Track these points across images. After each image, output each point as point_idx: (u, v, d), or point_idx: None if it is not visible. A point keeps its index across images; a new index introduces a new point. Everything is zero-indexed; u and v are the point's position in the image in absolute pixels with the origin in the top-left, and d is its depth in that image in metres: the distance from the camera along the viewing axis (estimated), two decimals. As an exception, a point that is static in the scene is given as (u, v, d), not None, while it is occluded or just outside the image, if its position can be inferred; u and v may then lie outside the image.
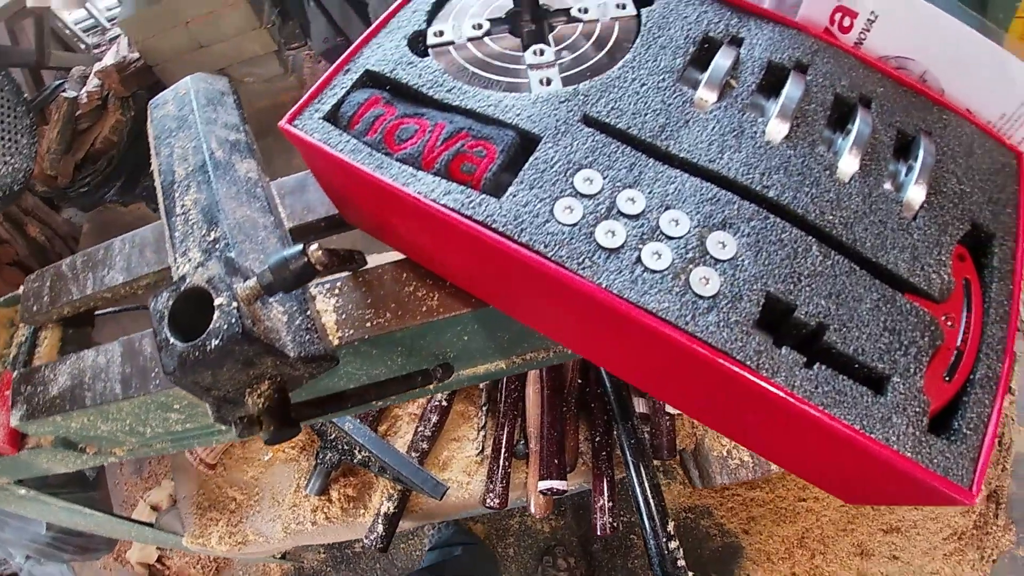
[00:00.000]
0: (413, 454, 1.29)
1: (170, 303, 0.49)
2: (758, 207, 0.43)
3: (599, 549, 1.90)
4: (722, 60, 0.48)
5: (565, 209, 0.42)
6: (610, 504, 1.26)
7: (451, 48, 0.54)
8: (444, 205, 0.44)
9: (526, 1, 0.55)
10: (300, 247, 0.50)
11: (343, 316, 0.58)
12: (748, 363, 0.38)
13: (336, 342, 0.57)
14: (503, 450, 1.28)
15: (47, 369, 0.71)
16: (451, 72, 0.52)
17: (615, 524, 1.26)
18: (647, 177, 0.44)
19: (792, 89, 0.47)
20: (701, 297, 0.39)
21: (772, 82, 0.49)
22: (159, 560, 2.10)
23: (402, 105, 0.51)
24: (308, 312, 0.55)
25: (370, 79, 0.53)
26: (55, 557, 1.73)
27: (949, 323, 0.42)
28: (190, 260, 0.56)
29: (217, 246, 0.55)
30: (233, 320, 0.46)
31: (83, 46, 2.78)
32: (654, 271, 0.40)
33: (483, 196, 0.44)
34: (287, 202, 0.66)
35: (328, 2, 2.08)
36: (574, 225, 0.42)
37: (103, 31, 2.99)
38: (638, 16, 0.53)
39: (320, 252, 0.48)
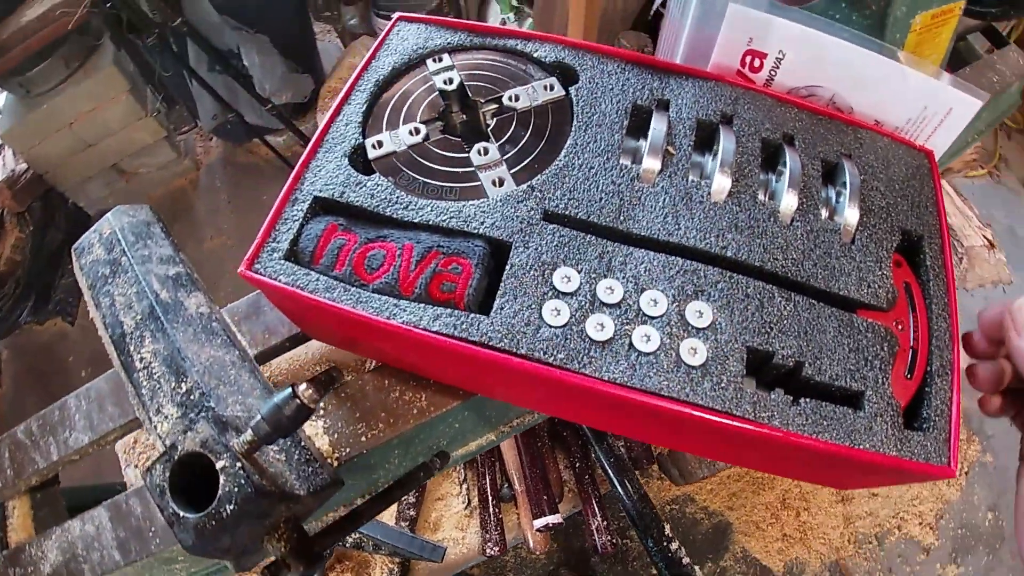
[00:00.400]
0: (403, 523, 1.27)
1: (167, 475, 0.47)
2: (721, 269, 0.46)
3: (597, 560, 1.92)
4: (657, 128, 0.50)
5: (552, 312, 0.44)
6: (604, 523, 1.27)
7: (394, 159, 0.54)
8: (437, 332, 0.44)
9: (455, 96, 0.55)
10: (289, 391, 0.49)
11: (335, 436, 0.57)
12: (746, 416, 0.41)
13: (335, 464, 0.56)
14: (490, 498, 1.28)
15: (32, 548, 0.67)
16: (402, 186, 0.51)
17: (613, 540, 1.28)
18: (618, 263, 0.46)
19: (726, 144, 0.50)
20: (693, 367, 0.42)
21: (704, 138, 0.52)
22: None
23: (362, 230, 0.50)
24: (302, 443, 0.54)
25: (321, 206, 0.52)
26: None
27: (900, 327, 0.46)
28: (167, 417, 0.54)
29: (192, 398, 0.54)
30: (242, 481, 0.45)
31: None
32: (647, 353, 0.42)
33: (471, 316, 0.44)
34: (244, 328, 0.65)
35: (212, 79, 2.04)
36: (565, 326, 0.43)
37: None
38: (567, 95, 0.54)
39: (310, 391, 0.47)
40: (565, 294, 0.44)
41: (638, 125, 0.53)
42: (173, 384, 0.55)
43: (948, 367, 0.45)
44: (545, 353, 0.42)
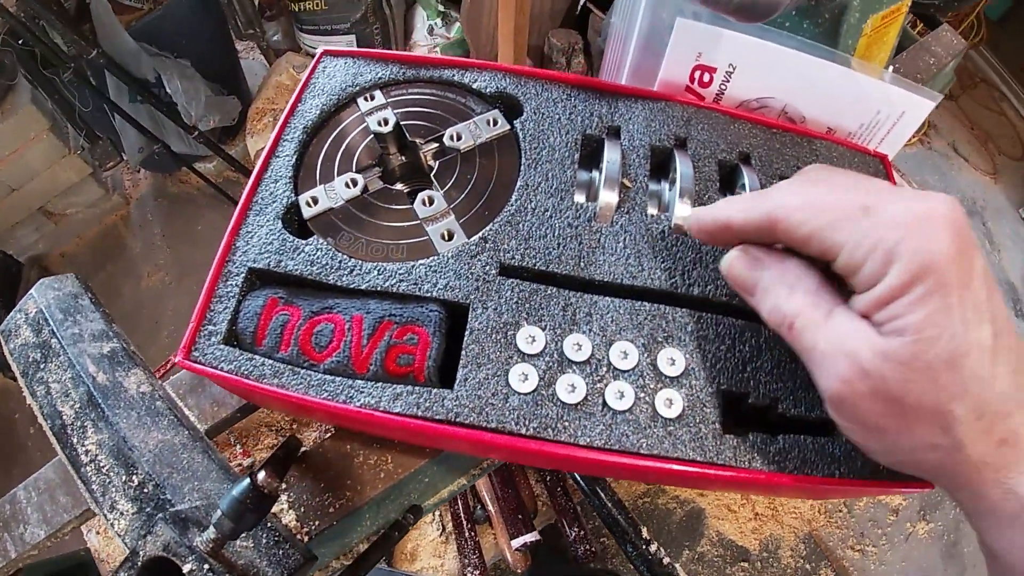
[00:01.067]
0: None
1: (130, 588, 0.44)
2: (689, 310, 0.44)
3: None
4: (611, 160, 0.48)
5: (520, 377, 0.41)
6: (581, 532, 1.27)
7: (332, 217, 0.50)
8: (398, 413, 0.41)
9: (392, 138, 0.52)
10: (247, 481, 0.46)
11: (302, 510, 0.54)
12: (727, 463, 0.40)
13: (305, 539, 0.54)
14: (464, 522, 1.26)
15: None
16: (343, 248, 0.47)
17: (592, 548, 1.27)
18: (583, 315, 0.43)
19: (683, 170, 0.48)
20: (670, 420, 0.40)
21: (658, 164, 0.50)
22: None
23: (305, 301, 0.46)
24: (269, 524, 0.51)
25: (257, 277, 0.48)
26: None
27: None
28: (122, 514, 0.50)
29: (146, 491, 0.50)
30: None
31: None
32: (622, 411, 0.40)
33: (434, 391, 0.41)
34: (191, 402, 0.61)
35: (134, 111, 1.96)
36: (534, 391, 0.41)
37: None
38: (512, 130, 0.52)
39: (270, 477, 0.45)
40: (531, 356, 0.42)
41: (590, 155, 0.51)
42: (124, 477, 0.51)
43: None
44: (516, 424, 0.40)
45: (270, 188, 0.51)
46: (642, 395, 0.41)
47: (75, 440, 0.55)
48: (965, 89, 2.59)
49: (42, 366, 0.59)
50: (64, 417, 0.56)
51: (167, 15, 2.01)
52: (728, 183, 0.50)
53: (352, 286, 0.45)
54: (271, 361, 0.44)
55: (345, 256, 0.47)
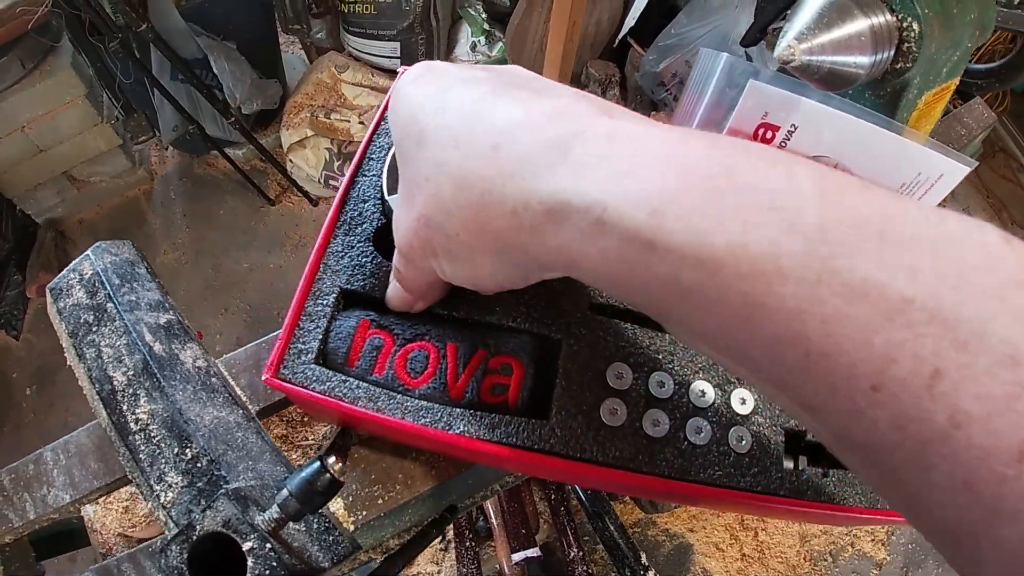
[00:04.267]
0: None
1: (185, 557, 0.44)
2: None
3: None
4: None
5: (610, 412, 0.42)
6: (580, 553, 1.27)
7: None
8: (496, 441, 0.41)
9: None
10: (318, 464, 0.46)
11: (350, 500, 0.54)
12: (785, 495, 0.42)
13: (352, 528, 0.54)
14: (466, 532, 1.26)
15: None
16: None
17: (590, 571, 1.27)
18: (664, 354, 0.45)
19: None
20: (741, 455, 0.42)
21: None
22: None
23: (396, 326, 0.45)
24: (320, 510, 0.51)
25: (346, 298, 0.47)
26: None
27: None
28: (170, 486, 0.50)
29: (199, 465, 0.50)
30: (274, 563, 0.43)
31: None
32: (701, 446, 0.42)
33: (530, 422, 0.42)
34: (243, 383, 0.61)
35: (174, 89, 1.97)
36: (623, 426, 0.42)
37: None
38: None
39: (340, 463, 0.45)
40: (620, 391, 0.43)
41: None
42: (176, 449, 0.51)
43: None
44: (606, 455, 0.41)
45: (358, 208, 0.50)
46: (717, 431, 0.43)
47: (125, 407, 0.54)
48: (984, 158, 2.61)
49: (94, 329, 0.58)
50: (115, 383, 0.55)
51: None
52: None
53: (444, 313, 0.45)
54: (365, 384, 0.44)
55: None
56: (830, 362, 0.21)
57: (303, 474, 0.45)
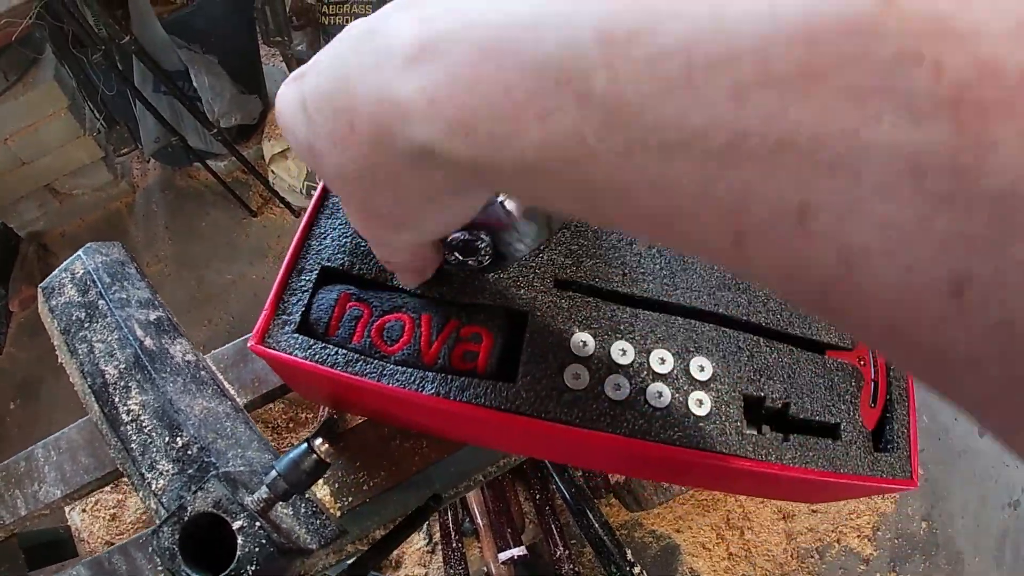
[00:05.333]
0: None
1: (177, 537, 0.45)
2: (715, 324, 0.49)
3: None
4: None
5: (573, 376, 0.45)
6: (566, 552, 1.28)
7: None
8: (466, 401, 0.44)
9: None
10: (305, 446, 0.48)
11: (336, 486, 0.56)
12: (748, 456, 0.45)
13: (338, 514, 0.55)
14: (452, 533, 1.27)
15: None
16: None
17: (576, 570, 1.29)
18: (626, 325, 0.48)
19: None
20: (701, 417, 0.45)
21: None
22: None
23: (375, 298, 0.48)
24: (307, 495, 0.53)
25: (328, 275, 0.50)
26: None
27: (862, 362, 0.51)
28: (162, 473, 0.52)
29: (189, 452, 0.52)
30: (263, 540, 0.44)
31: None
32: (660, 408, 0.45)
33: (498, 384, 0.45)
34: (231, 376, 0.63)
35: (156, 101, 1.98)
36: (586, 389, 0.45)
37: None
38: None
39: (326, 445, 0.47)
40: (583, 358, 0.46)
41: None
42: (167, 438, 0.53)
43: (904, 394, 0.50)
44: (570, 415, 0.44)
45: None
46: (677, 395, 0.46)
47: (117, 399, 0.56)
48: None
49: (86, 325, 0.60)
50: (107, 376, 0.57)
51: (200, 11, 2.05)
52: None
53: (419, 292, 0.48)
54: (344, 350, 0.46)
55: None
56: (685, 228, 0.19)
57: (291, 455, 0.47)
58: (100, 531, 1.31)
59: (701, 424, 0.45)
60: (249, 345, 0.47)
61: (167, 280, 2.41)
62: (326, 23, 2.21)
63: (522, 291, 0.48)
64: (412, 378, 0.45)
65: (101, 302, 0.61)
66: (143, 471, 0.53)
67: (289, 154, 2.11)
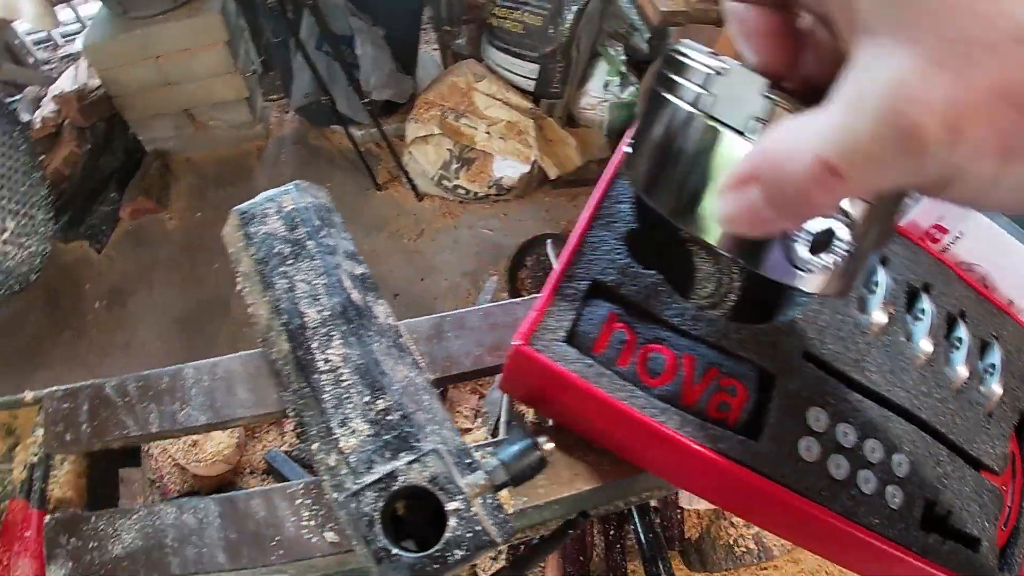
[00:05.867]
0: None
1: (381, 505, 0.43)
2: (917, 428, 0.51)
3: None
4: (886, 285, 0.54)
5: (806, 448, 0.46)
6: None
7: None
8: (716, 451, 0.44)
9: None
10: (529, 440, 0.47)
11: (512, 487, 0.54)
12: (916, 551, 0.46)
13: (509, 510, 0.54)
14: (520, 546, 1.24)
15: (100, 521, 0.60)
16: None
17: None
18: (850, 408, 0.49)
19: (931, 312, 0.55)
20: (894, 511, 0.47)
21: (908, 301, 0.56)
22: None
23: (639, 325, 0.48)
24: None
25: (597, 289, 0.49)
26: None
27: (1004, 488, 0.54)
28: (354, 432, 0.50)
29: (389, 418, 0.50)
30: (478, 528, 0.42)
31: (32, 60, 2.59)
32: (867, 495, 0.46)
33: (744, 440, 0.45)
34: (423, 349, 0.61)
35: (316, 58, 2.03)
36: (814, 463, 0.46)
37: (55, 47, 2.80)
38: None
39: (551, 444, 0.47)
40: (816, 433, 0.47)
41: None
42: (367, 398, 0.51)
43: None
44: (799, 484, 0.45)
45: (614, 207, 0.52)
46: (879, 486, 0.47)
47: (314, 345, 0.55)
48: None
49: (289, 262, 0.59)
50: (306, 319, 0.56)
51: (380, -17, 2.10)
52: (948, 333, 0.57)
53: (682, 327, 0.48)
54: (611, 373, 0.46)
55: (679, 296, 0.49)
56: None
57: (515, 448, 0.46)
58: (177, 453, 1.31)
59: (893, 516, 0.46)
60: (515, 344, 0.46)
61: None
62: (492, 24, 2.24)
63: (776, 354, 0.48)
64: (671, 417, 0.45)
65: (310, 243, 0.60)
66: (332, 425, 0.51)
67: (431, 140, 2.13)
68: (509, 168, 2.14)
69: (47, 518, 0.61)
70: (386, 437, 0.50)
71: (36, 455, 0.69)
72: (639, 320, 0.48)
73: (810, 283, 0.31)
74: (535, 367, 0.46)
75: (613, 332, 0.47)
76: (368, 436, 0.50)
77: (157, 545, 0.57)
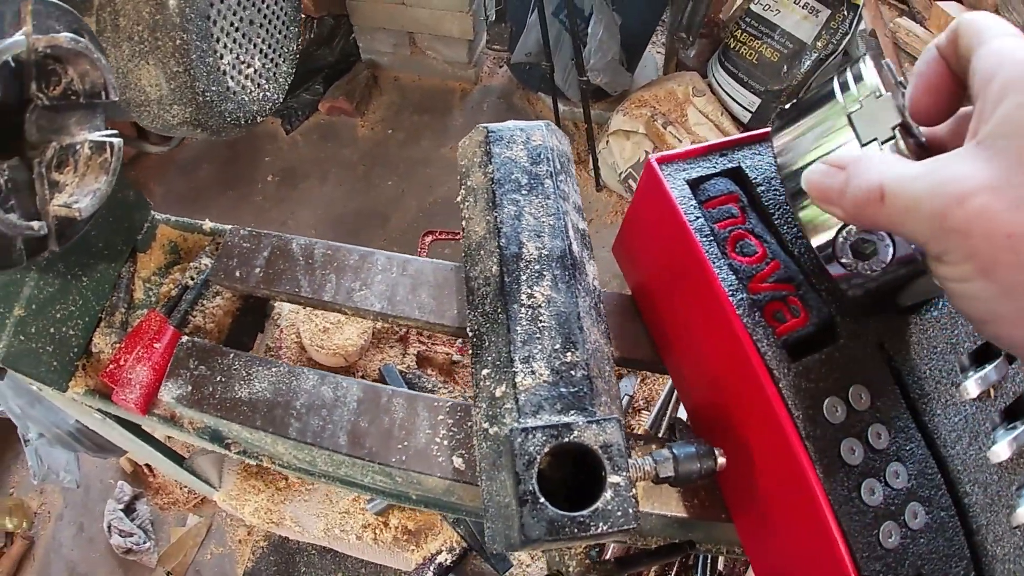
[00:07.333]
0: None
1: (547, 450, 0.43)
2: (952, 501, 0.47)
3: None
4: (993, 373, 0.49)
5: (832, 408, 0.45)
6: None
7: None
8: (750, 334, 0.46)
9: None
10: (709, 447, 0.45)
11: (649, 485, 0.53)
12: None
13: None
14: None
15: (237, 361, 0.61)
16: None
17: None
18: (896, 421, 0.47)
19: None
20: (882, 548, 0.44)
21: (1015, 408, 0.50)
22: (147, 465, 2.05)
23: (752, 219, 0.52)
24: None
25: (733, 174, 0.54)
26: (68, 446, 1.68)
27: None
28: (534, 373, 0.49)
29: (573, 374, 0.49)
30: (630, 511, 0.41)
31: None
32: (866, 503, 0.44)
33: (782, 350, 0.46)
34: (611, 322, 0.60)
35: (550, 23, 2.05)
36: (832, 425, 0.45)
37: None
38: None
39: (724, 459, 0.46)
40: (850, 405, 0.46)
41: (984, 352, 0.51)
42: (557, 345, 0.51)
43: None
44: (805, 426, 0.44)
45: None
46: (883, 508, 0.45)
47: (523, 277, 0.54)
48: None
49: (523, 192, 0.59)
50: (524, 250, 0.55)
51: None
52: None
53: (787, 241, 0.51)
54: (704, 223, 0.51)
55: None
56: None
57: (691, 449, 0.45)
58: (306, 331, 1.35)
59: (876, 551, 0.44)
60: (652, 157, 0.53)
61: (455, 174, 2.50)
62: (729, 45, 2.19)
63: (859, 320, 0.48)
64: (731, 285, 0.48)
65: (548, 182, 0.59)
66: (515, 357, 0.51)
67: (632, 137, 2.12)
68: (697, 190, 2.09)
69: (184, 339, 0.63)
70: (562, 390, 0.49)
71: (193, 280, 0.74)
72: (753, 212, 0.52)
73: (835, 270, 0.42)
74: (651, 187, 0.53)
75: (726, 204, 0.52)
76: (546, 382, 0.49)
77: (284, 404, 0.59)
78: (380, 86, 2.74)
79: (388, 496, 0.72)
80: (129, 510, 2.02)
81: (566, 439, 0.44)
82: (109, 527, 1.97)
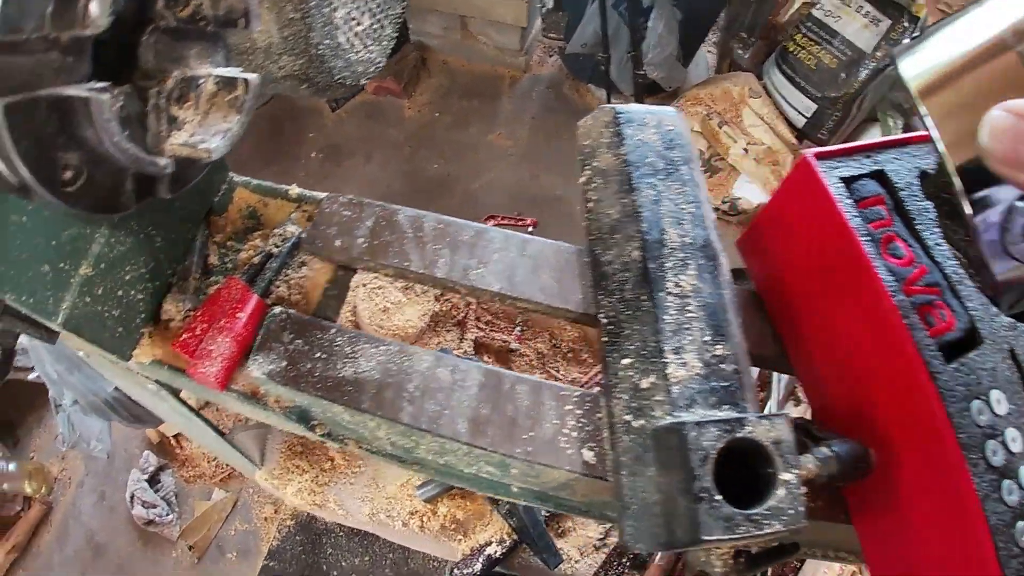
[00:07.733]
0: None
1: (721, 445, 0.42)
2: None
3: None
4: None
5: (977, 411, 0.46)
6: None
7: None
8: (906, 322, 0.47)
9: None
10: (864, 446, 0.47)
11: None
12: None
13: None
14: (625, 555, 1.21)
15: (341, 336, 0.58)
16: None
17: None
18: (1020, 420, 0.47)
19: None
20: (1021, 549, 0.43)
21: None
22: (176, 436, 2.05)
23: (898, 223, 0.52)
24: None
25: (877, 177, 0.54)
26: (103, 415, 1.67)
27: None
28: (684, 365, 0.48)
29: (722, 367, 0.48)
30: (800, 508, 0.40)
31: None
32: (1004, 501, 0.44)
33: (935, 347, 0.47)
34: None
35: (609, 15, 2.03)
36: (977, 426, 0.45)
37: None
38: None
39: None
40: (992, 408, 0.47)
41: None
42: (707, 337, 0.49)
43: None
44: (954, 415, 0.45)
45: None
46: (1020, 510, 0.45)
47: (668, 264, 0.53)
48: None
49: (660, 177, 0.57)
50: (666, 236, 0.54)
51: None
52: None
53: (935, 256, 0.52)
54: (861, 221, 0.52)
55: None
56: None
57: (848, 447, 0.46)
58: (365, 310, 1.34)
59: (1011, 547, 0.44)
60: (808, 152, 0.53)
61: (509, 158, 2.51)
62: (788, 48, 2.17)
63: (992, 328, 0.49)
64: (889, 280, 0.49)
65: (684, 168, 0.57)
66: (664, 348, 0.49)
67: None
68: (750, 191, 2.07)
69: (277, 309, 0.60)
70: (714, 383, 0.48)
71: (278, 248, 0.68)
72: (902, 222, 0.52)
73: (1000, 266, 0.38)
74: (809, 178, 0.53)
75: (876, 206, 0.53)
76: (698, 375, 0.48)
77: (396, 386, 0.55)
78: (428, 68, 2.73)
79: (486, 488, 0.69)
80: (153, 481, 2.02)
81: (739, 434, 0.42)
82: (132, 497, 1.97)
